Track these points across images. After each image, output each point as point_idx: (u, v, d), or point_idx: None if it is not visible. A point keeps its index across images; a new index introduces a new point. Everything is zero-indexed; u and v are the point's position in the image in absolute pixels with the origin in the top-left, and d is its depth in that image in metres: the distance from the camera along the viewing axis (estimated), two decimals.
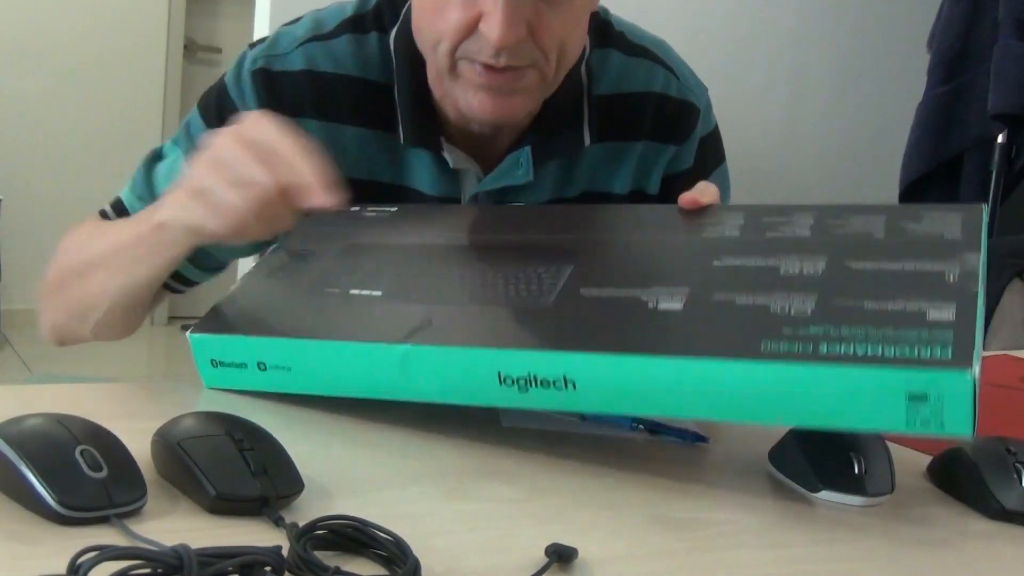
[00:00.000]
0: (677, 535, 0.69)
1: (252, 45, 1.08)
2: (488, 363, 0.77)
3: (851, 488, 0.77)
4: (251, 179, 0.79)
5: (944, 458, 0.85)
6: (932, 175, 2.76)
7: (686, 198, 0.91)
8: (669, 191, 1.11)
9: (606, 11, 1.14)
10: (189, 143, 1.07)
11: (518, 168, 1.05)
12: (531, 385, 0.76)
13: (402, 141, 1.04)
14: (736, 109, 3.20)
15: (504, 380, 0.77)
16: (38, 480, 0.60)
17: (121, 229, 0.96)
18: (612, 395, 0.74)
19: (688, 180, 1.01)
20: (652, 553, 0.66)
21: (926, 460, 0.87)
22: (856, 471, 0.77)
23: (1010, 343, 2.33)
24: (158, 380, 3.51)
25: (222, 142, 0.81)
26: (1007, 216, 2.70)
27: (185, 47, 4.68)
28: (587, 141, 1.07)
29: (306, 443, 0.77)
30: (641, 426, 0.89)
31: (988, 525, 0.77)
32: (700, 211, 0.90)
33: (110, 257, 0.95)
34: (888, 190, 2.93)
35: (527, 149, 1.05)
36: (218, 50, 4.79)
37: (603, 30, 1.11)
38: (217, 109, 1.06)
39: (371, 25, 1.06)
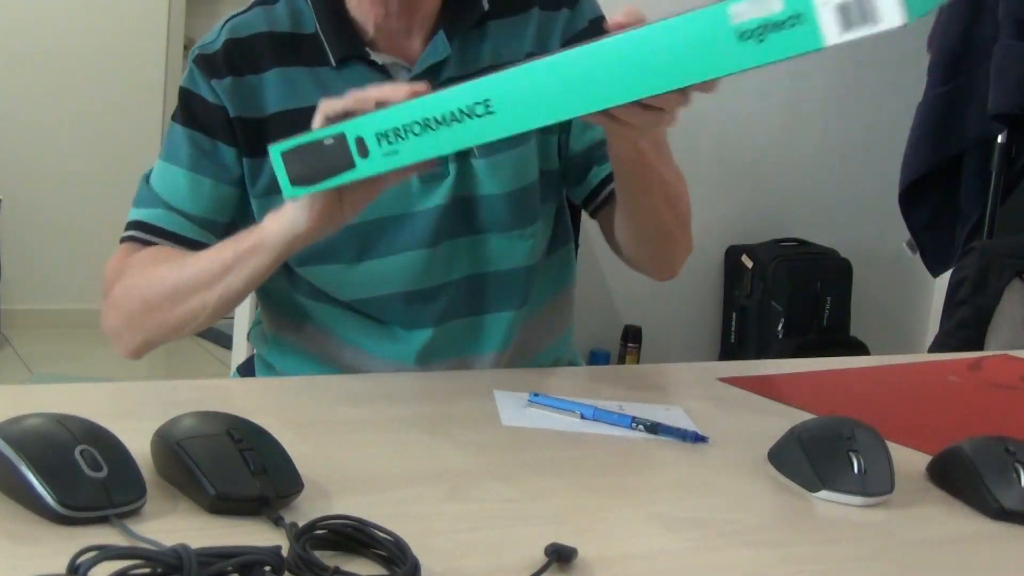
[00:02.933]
0: (677, 535, 0.69)
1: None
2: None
3: (851, 488, 0.77)
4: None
5: (944, 458, 0.85)
6: (932, 175, 2.76)
7: (612, 21, 0.93)
8: None
9: None
10: (171, 148, 1.17)
11: (437, 48, 1.15)
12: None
13: (334, 63, 1.14)
14: (736, 109, 3.20)
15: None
16: (38, 480, 0.60)
17: (212, 254, 1.07)
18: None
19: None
20: (652, 553, 0.66)
21: (926, 460, 0.87)
22: (856, 471, 0.77)
23: (1010, 343, 2.33)
24: (158, 380, 3.51)
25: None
26: (1007, 216, 2.71)
27: (185, 47, 4.67)
28: (485, 6, 1.18)
29: (306, 443, 0.77)
30: (641, 426, 0.89)
31: (988, 525, 0.77)
32: None
33: (209, 282, 1.06)
34: (888, 190, 2.93)
35: (441, 31, 1.15)
36: None
37: None
38: (184, 106, 1.17)
39: None
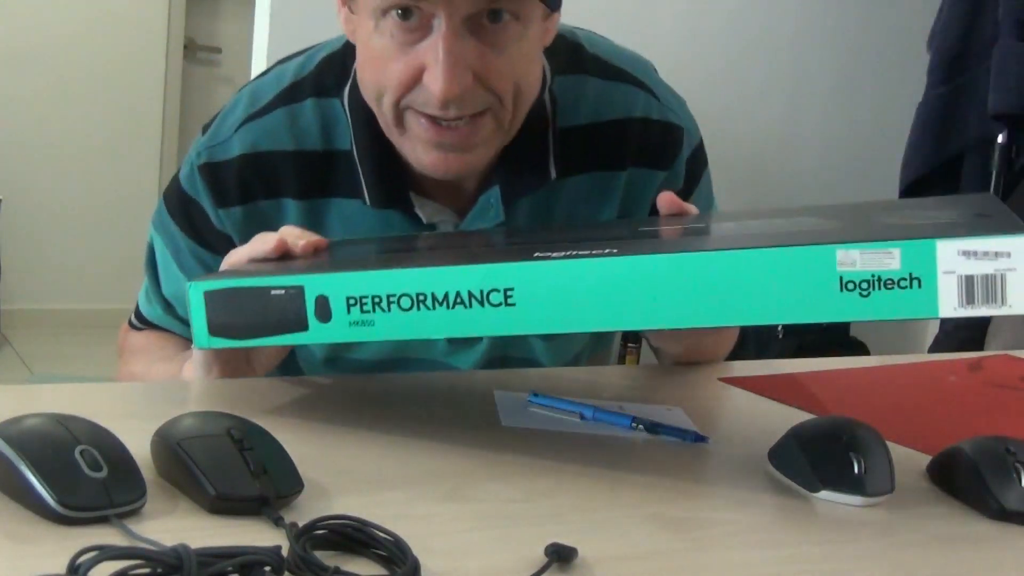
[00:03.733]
0: (677, 535, 0.69)
1: (203, 129, 1.06)
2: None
3: (851, 488, 0.77)
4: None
5: (944, 458, 0.84)
6: (932, 175, 2.76)
7: (664, 197, 0.90)
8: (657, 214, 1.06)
9: (574, 32, 1.09)
10: (166, 235, 1.09)
11: (489, 210, 1.02)
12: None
13: (368, 203, 1.00)
14: (736, 109, 3.20)
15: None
16: (38, 480, 0.60)
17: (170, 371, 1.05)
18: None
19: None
20: (652, 553, 0.66)
21: (926, 460, 0.87)
22: (856, 471, 0.77)
23: (1010, 343, 2.33)
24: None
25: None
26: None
27: (185, 47, 4.67)
28: (553, 175, 1.03)
29: (306, 443, 0.77)
30: (641, 426, 0.89)
31: (988, 525, 0.77)
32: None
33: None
34: (888, 190, 2.93)
35: (496, 189, 1.01)
36: (218, 50, 4.79)
37: (575, 54, 1.06)
38: (180, 206, 1.06)
39: (309, 91, 1.02)
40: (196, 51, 4.75)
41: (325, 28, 1.10)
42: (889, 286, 0.65)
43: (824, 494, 0.77)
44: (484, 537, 0.66)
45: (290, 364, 1.24)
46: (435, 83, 0.88)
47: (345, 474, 0.73)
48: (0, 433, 0.62)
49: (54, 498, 0.59)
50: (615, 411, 0.90)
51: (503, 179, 1.02)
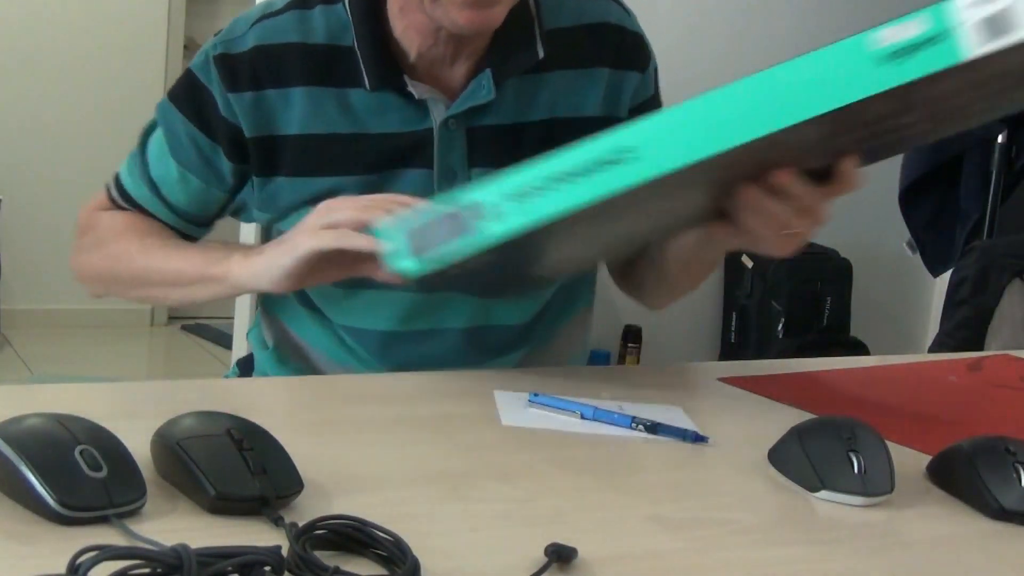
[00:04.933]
0: (677, 535, 0.69)
1: (216, 34, 1.16)
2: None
3: (851, 488, 0.77)
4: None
5: (944, 458, 0.84)
6: (932, 175, 2.76)
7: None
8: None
9: None
10: (166, 123, 1.16)
11: (481, 89, 1.11)
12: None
13: (368, 87, 1.10)
14: None
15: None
16: (38, 480, 0.60)
17: (180, 259, 1.12)
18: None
19: (650, 109, 1.18)
20: (652, 553, 0.66)
21: (926, 460, 0.87)
22: (856, 471, 0.77)
23: (1010, 343, 2.33)
24: (158, 380, 3.51)
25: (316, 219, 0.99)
26: (1007, 216, 2.71)
27: (185, 47, 4.67)
28: (540, 54, 1.13)
29: (305, 442, 0.77)
30: (640, 426, 0.89)
31: (988, 525, 0.77)
32: None
33: (171, 284, 1.12)
34: (888, 190, 2.93)
35: (488, 71, 1.11)
36: None
37: None
38: (188, 93, 1.14)
39: (316, 1, 1.13)
40: (196, 51, 4.75)
41: None
42: (916, 49, 0.78)
43: (824, 494, 0.77)
44: (484, 537, 0.66)
45: (291, 365, 1.25)
46: None
47: (345, 474, 0.73)
48: (0, 433, 0.62)
49: (54, 498, 0.59)
50: (615, 411, 0.90)
51: (494, 62, 1.12)
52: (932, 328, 3.11)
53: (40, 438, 0.62)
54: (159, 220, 1.18)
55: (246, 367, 1.29)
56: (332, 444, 0.80)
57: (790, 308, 3.12)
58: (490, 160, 1.11)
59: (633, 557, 0.65)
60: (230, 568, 0.53)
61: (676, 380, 1.07)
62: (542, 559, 0.61)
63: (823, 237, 3.33)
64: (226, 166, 1.12)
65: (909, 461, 0.88)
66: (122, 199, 1.20)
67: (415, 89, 1.10)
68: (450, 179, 1.11)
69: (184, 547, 0.52)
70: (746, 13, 3.19)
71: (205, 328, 4.60)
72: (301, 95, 1.10)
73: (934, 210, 2.80)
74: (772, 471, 0.82)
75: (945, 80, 0.80)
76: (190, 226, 1.18)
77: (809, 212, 0.96)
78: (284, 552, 0.56)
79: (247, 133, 1.10)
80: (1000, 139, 2.66)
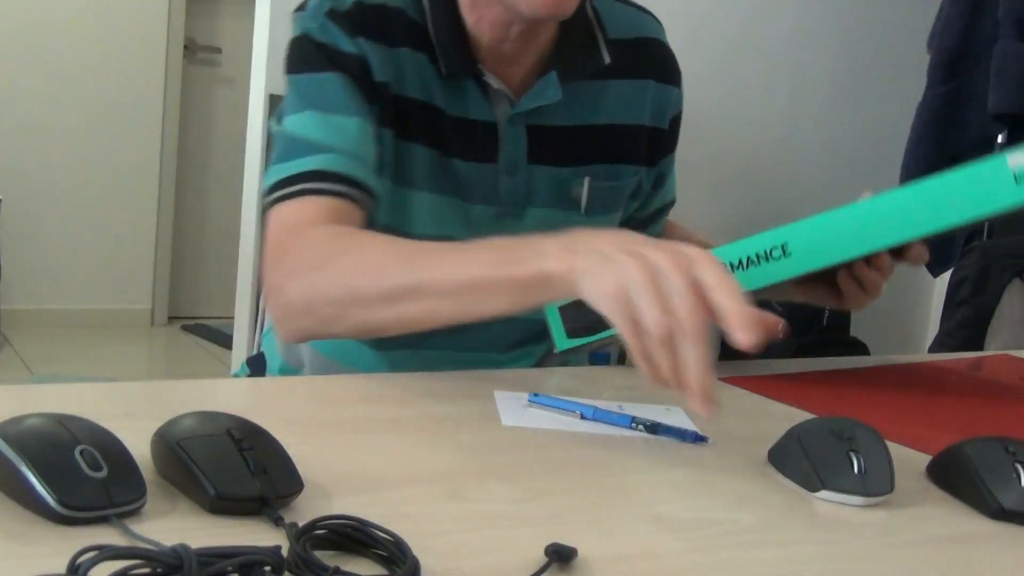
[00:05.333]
0: (677, 535, 0.69)
1: (300, 7, 1.12)
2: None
3: (851, 488, 0.77)
4: (675, 314, 0.74)
5: (944, 458, 0.84)
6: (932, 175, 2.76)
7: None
8: (672, 132, 1.28)
9: None
10: (318, 96, 1.06)
11: (548, 89, 1.14)
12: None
13: (443, 72, 1.11)
14: (736, 109, 3.20)
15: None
16: (38, 480, 0.60)
17: (459, 259, 0.90)
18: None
19: (679, 125, 1.28)
20: (652, 553, 0.66)
21: (926, 460, 0.87)
22: (856, 471, 0.77)
23: (1010, 343, 2.33)
24: (158, 380, 3.51)
25: (666, 263, 0.75)
26: (1007, 216, 2.70)
27: (185, 47, 4.68)
28: (606, 60, 1.18)
29: (305, 442, 0.77)
30: (640, 426, 0.89)
31: (988, 525, 0.77)
32: None
33: (451, 289, 0.89)
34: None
35: (554, 73, 1.14)
36: (218, 50, 4.79)
37: None
38: (319, 56, 1.08)
39: None
40: (196, 51, 4.75)
41: None
42: None
43: (824, 494, 0.77)
44: (484, 537, 0.66)
45: (291, 365, 1.24)
46: None
47: (345, 474, 0.73)
48: (0, 433, 0.62)
49: (54, 498, 0.59)
50: (615, 411, 0.90)
51: (560, 64, 1.15)
52: (932, 328, 3.11)
53: (40, 438, 0.62)
54: (365, 188, 1.04)
55: (257, 366, 1.28)
56: (332, 444, 0.80)
57: (790, 308, 3.12)
58: (549, 158, 1.17)
59: (633, 557, 0.65)
60: (230, 568, 0.53)
61: None
62: (542, 559, 0.61)
63: None
64: (375, 106, 1.08)
65: (909, 461, 0.88)
66: (315, 181, 1.03)
67: (491, 79, 1.13)
68: (512, 174, 1.15)
69: (184, 547, 0.52)
70: (746, 14, 3.19)
71: (205, 328, 4.61)
72: (410, 57, 1.10)
73: None
74: (772, 471, 0.82)
75: None
76: (376, 182, 1.06)
77: (887, 277, 1.11)
78: (284, 552, 0.56)
79: (376, 77, 1.08)
80: (1000, 139, 2.66)
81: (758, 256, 0.98)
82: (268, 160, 1.08)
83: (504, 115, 1.15)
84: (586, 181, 1.19)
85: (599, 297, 0.77)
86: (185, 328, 4.64)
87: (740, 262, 0.99)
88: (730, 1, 3.17)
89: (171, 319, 4.73)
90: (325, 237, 0.97)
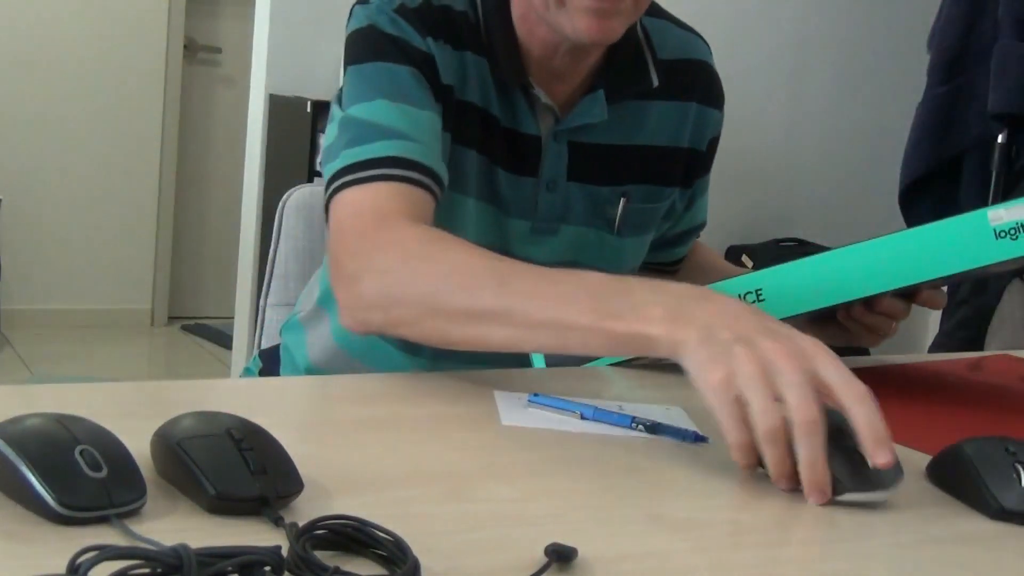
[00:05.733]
0: (677, 535, 0.69)
1: (363, 1, 1.10)
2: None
3: (869, 485, 0.76)
4: (784, 414, 0.72)
5: (944, 458, 0.84)
6: (932, 175, 2.76)
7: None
8: (709, 154, 1.28)
9: None
10: (391, 85, 1.04)
11: (594, 107, 1.15)
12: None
13: (496, 76, 1.11)
14: (736, 109, 3.20)
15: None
16: (38, 480, 0.60)
17: (556, 293, 0.85)
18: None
19: (715, 147, 1.28)
20: (652, 553, 0.66)
21: (926, 460, 0.87)
22: (854, 467, 0.77)
23: (1010, 343, 2.33)
24: (158, 380, 3.51)
25: (781, 356, 0.73)
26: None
27: (185, 47, 4.67)
28: (655, 82, 1.18)
29: (306, 443, 0.77)
30: (640, 426, 0.89)
31: (988, 525, 0.77)
32: None
33: (541, 324, 0.85)
34: (888, 190, 2.93)
35: (601, 91, 1.15)
36: (218, 50, 4.79)
37: (652, 5, 1.19)
38: (392, 46, 1.06)
39: None
40: (196, 51, 4.75)
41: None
42: None
43: (847, 496, 0.76)
44: (484, 537, 0.66)
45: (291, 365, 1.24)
46: None
47: (345, 474, 0.73)
48: (0, 433, 0.62)
49: (54, 498, 0.59)
50: (615, 411, 0.90)
51: (607, 83, 1.15)
52: (932, 328, 3.11)
53: (40, 438, 0.62)
54: (440, 180, 1.02)
55: (270, 360, 1.28)
56: (332, 444, 0.80)
57: None
58: (588, 176, 1.17)
59: (633, 557, 0.65)
60: (230, 568, 0.53)
61: (676, 380, 1.07)
62: (542, 559, 0.61)
63: (823, 237, 3.33)
64: (440, 105, 1.08)
65: (909, 461, 0.88)
66: (395, 167, 0.99)
67: (539, 93, 1.12)
68: (552, 190, 1.15)
69: (184, 547, 0.52)
70: (745, 14, 3.19)
71: (205, 328, 4.61)
72: (475, 65, 1.10)
73: (934, 210, 2.80)
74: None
75: None
76: (444, 170, 1.04)
77: (899, 319, 1.12)
78: (284, 552, 0.56)
79: (442, 79, 1.08)
80: (1000, 139, 2.66)
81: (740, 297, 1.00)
82: (329, 145, 1.03)
83: (548, 130, 1.15)
84: (621, 202, 1.19)
85: (705, 386, 0.75)
86: (185, 328, 4.64)
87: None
88: (730, 1, 3.17)
89: (171, 319, 4.73)
90: (416, 236, 0.94)
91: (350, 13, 1.11)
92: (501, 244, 1.13)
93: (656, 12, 1.24)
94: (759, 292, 0.98)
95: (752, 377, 0.73)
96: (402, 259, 0.92)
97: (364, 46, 1.07)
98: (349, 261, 0.95)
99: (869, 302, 1.07)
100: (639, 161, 1.20)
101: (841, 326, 1.15)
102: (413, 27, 1.07)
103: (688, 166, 1.25)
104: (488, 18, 1.11)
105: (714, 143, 1.28)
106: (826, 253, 0.98)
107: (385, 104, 1.02)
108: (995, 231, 0.90)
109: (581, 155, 1.16)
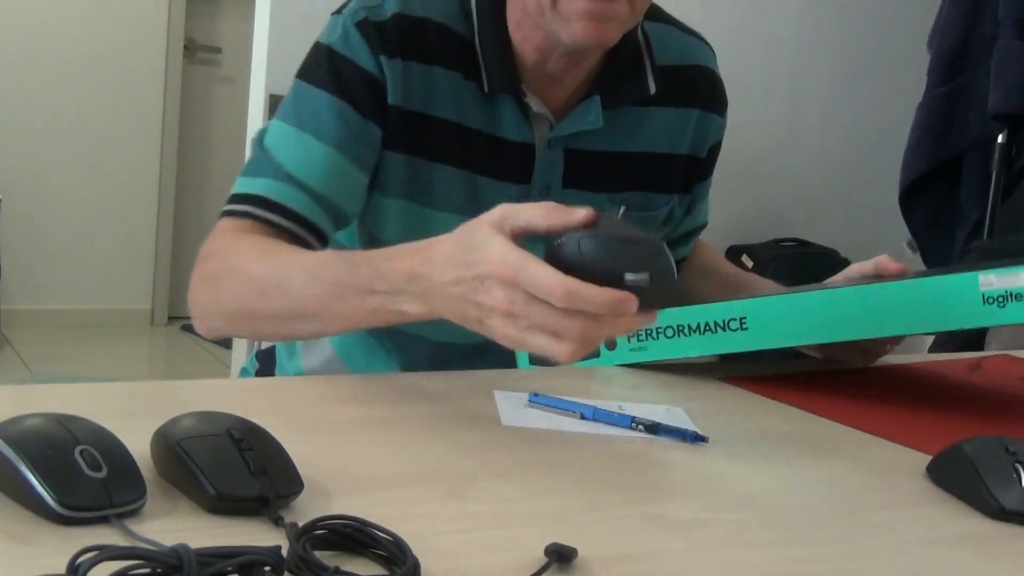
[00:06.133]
0: (677, 535, 0.69)
1: (339, 9, 1.11)
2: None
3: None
4: (544, 330, 0.75)
5: (944, 458, 0.84)
6: (932, 175, 2.76)
7: (881, 266, 1.11)
8: (710, 159, 1.26)
9: None
10: (309, 115, 1.06)
11: (589, 114, 1.12)
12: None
13: (486, 88, 1.09)
14: (736, 109, 3.19)
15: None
16: (38, 480, 0.60)
17: (334, 284, 0.92)
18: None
19: (716, 153, 1.26)
20: (652, 553, 0.66)
21: (926, 460, 0.87)
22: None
23: (1010, 343, 2.32)
24: (158, 380, 3.51)
25: (525, 278, 0.75)
26: (1007, 216, 2.70)
27: (185, 47, 4.67)
28: (652, 89, 1.15)
29: (306, 443, 0.77)
30: (640, 426, 0.89)
31: (988, 525, 0.77)
32: None
33: (324, 314, 0.93)
34: (888, 190, 2.93)
35: (597, 97, 1.13)
36: (218, 50, 4.79)
37: (655, 8, 1.20)
38: (332, 70, 1.07)
39: None
40: (196, 51, 4.74)
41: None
42: (1019, 298, 0.88)
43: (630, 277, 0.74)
44: (484, 537, 0.66)
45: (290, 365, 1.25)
46: None
47: (345, 474, 0.73)
48: (0, 433, 0.62)
49: (54, 498, 0.59)
50: (615, 411, 0.90)
51: (603, 89, 1.13)
52: None
53: (40, 438, 0.62)
54: (305, 222, 1.05)
55: (266, 361, 1.28)
56: (332, 444, 0.80)
57: None
58: (584, 183, 1.15)
59: (633, 557, 0.65)
60: (230, 568, 0.53)
61: (677, 380, 1.07)
62: (542, 559, 0.61)
63: (823, 237, 3.33)
64: (376, 136, 1.07)
65: (909, 461, 0.88)
66: (258, 207, 1.06)
67: (532, 101, 1.11)
68: (546, 196, 1.12)
69: (184, 547, 0.52)
70: (746, 14, 3.19)
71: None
72: (442, 76, 1.08)
73: (934, 210, 2.80)
74: (773, 471, 0.82)
75: None
76: (326, 219, 1.07)
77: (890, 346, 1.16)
78: (284, 552, 0.56)
79: (390, 99, 1.06)
80: (1000, 139, 2.66)
81: (716, 324, 1.01)
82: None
83: (543, 137, 1.13)
84: (620, 210, 1.16)
85: (482, 331, 0.79)
86: (185, 328, 4.64)
87: (699, 326, 1.02)
88: (730, 2, 3.17)
89: (171, 319, 4.73)
90: (240, 248, 1.02)
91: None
92: None
93: (658, 16, 1.22)
94: (743, 320, 0.99)
95: (493, 310, 0.77)
96: (213, 278, 1.03)
97: (311, 64, 1.09)
98: (193, 275, 1.06)
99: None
100: (637, 168, 1.18)
101: (852, 349, 1.17)
102: (367, 45, 1.06)
103: (687, 172, 1.24)
104: (482, 24, 1.09)
105: (715, 149, 1.26)
106: (814, 292, 0.98)
107: (295, 134, 1.06)
108: (984, 296, 0.90)
109: (577, 162, 1.14)
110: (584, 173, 1.15)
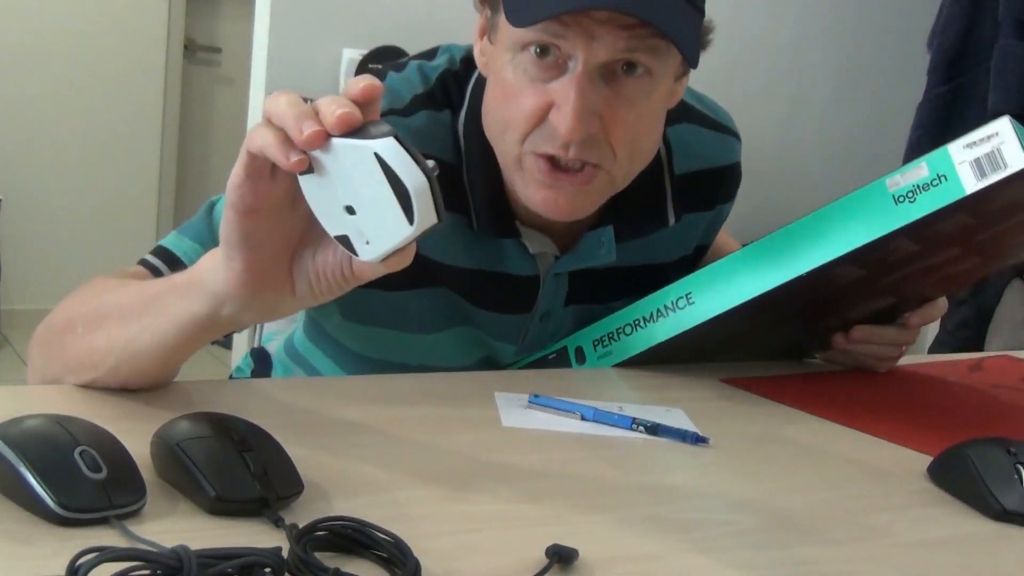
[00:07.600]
0: (677, 535, 0.69)
1: None
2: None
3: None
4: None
5: (945, 459, 0.84)
6: None
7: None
8: (717, 230, 1.20)
9: None
10: None
11: (599, 248, 1.04)
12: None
13: (475, 229, 1.01)
14: (736, 109, 3.19)
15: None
16: (37, 481, 0.60)
17: (149, 285, 0.85)
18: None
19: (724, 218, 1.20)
20: (652, 553, 0.66)
21: (926, 461, 0.87)
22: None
23: (1010, 343, 2.33)
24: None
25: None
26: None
27: (185, 47, 4.67)
28: (671, 221, 1.07)
29: (306, 444, 0.76)
30: (641, 427, 0.89)
31: (989, 526, 0.77)
32: None
33: (126, 311, 0.81)
34: None
35: (608, 229, 1.04)
36: (218, 50, 4.79)
37: (681, 104, 1.08)
38: None
39: (442, 103, 1.02)
40: (196, 51, 4.74)
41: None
42: (926, 188, 0.90)
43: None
44: (484, 538, 0.66)
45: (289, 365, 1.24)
46: (562, 123, 0.89)
47: (345, 475, 0.73)
48: (0, 434, 0.62)
49: (53, 499, 0.59)
50: (615, 412, 0.90)
51: (617, 220, 1.03)
52: (932, 328, 3.11)
53: (39, 439, 0.62)
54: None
55: (261, 359, 1.27)
56: (332, 445, 0.80)
57: None
58: (587, 299, 1.08)
59: (634, 558, 0.65)
60: (230, 569, 0.53)
61: (677, 381, 1.07)
62: (543, 560, 0.61)
63: None
64: None
65: (909, 461, 0.88)
66: (156, 257, 1.01)
67: (529, 242, 1.02)
68: (545, 320, 1.07)
69: (184, 548, 0.52)
70: (746, 15, 3.19)
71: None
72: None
73: None
74: (773, 471, 0.82)
75: (958, 215, 0.91)
76: None
77: (893, 347, 1.13)
78: (284, 553, 0.56)
79: None
80: None
81: (666, 307, 1.02)
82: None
83: (547, 269, 1.05)
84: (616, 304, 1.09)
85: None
86: None
87: (651, 314, 1.03)
88: (730, 2, 3.17)
89: None
90: (78, 294, 0.93)
91: None
92: (478, 352, 1.07)
93: (685, 114, 1.10)
94: (689, 295, 1.01)
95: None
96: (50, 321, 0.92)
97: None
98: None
99: (846, 330, 1.11)
100: (644, 277, 1.09)
101: (848, 354, 1.15)
102: None
103: (694, 260, 1.16)
104: (472, 168, 1.00)
105: (725, 215, 1.19)
106: (743, 249, 1.00)
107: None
108: (894, 197, 0.92)
109: (582, 283, 1.07)
110: (587, 290, 1.07)
